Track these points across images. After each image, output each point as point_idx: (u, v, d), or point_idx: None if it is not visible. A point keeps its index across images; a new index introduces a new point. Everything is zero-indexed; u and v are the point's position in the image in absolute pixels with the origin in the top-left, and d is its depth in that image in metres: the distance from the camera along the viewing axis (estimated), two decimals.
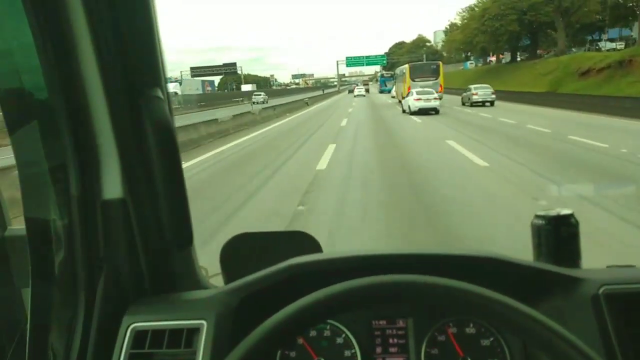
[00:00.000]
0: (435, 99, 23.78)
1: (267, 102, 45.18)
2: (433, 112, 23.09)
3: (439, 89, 30.84)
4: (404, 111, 25.18)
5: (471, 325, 1.00)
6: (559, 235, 1.01)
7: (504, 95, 32.00)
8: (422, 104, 23.24)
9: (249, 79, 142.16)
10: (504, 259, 0.92)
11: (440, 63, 34.88)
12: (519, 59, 55.37)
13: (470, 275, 0.74)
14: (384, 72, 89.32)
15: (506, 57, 60.87)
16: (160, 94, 0.95)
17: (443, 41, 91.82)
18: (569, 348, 0.59)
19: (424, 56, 79.31)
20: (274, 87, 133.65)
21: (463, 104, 30.31)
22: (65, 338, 0.93)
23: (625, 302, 0.86)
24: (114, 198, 0.94)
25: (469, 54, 74.67)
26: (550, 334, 0.60)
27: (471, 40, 55.56)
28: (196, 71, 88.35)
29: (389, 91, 63.29)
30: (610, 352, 0.81)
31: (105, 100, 0.90)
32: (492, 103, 28.46)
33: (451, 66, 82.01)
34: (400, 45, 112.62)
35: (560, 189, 7.04)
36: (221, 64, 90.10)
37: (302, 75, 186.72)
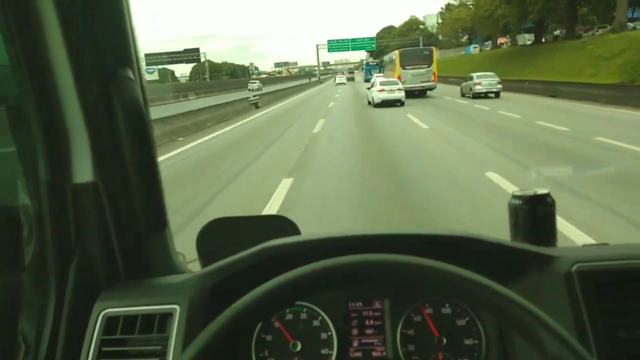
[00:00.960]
0: (399, 89, 23.20)
1: (261, 89, 49.52)
2: (398, 104, 22.42)
3: (432, 77, 29.44)
4: (369, 103, 24.38)
5: (447, 305, 1.04)
6: (535, 214, 1.06)
7: (546, 87, 25.46)
8: (386, 96, 22.75)
9: (224, 67, 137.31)
10: (478, 237, 0.96)
11: (434, 48, 32.74)
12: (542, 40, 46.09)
13: (446, 255, 0.77)
14: (369, 60, 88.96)
15: (520, 39, 53.69)
16: (131, 74, 0.97)
17: (439, 23, 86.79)
18: (538, 325, 0.63)
19: (420, 40, 74.89)
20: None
21: (463, 95, 27.41)
22: (36, 325, 0.95)
23: (597, 279, 0.91)
24: (84, 182, 0.96)
25: (470, 37, 69.95)
26: (519, 311, 0.64)
27: (490, 14, 42.91)
28: (152, 58, 75.31)
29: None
30: (581, 328, 0.87)
31: (74, 81, 0.91)
32: (497, 94, 25.32)
33: (450, 52, 77.74)
34: (388, 30, 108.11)
35: None
36: (182, 49, 79.90)
37: (285, 64, 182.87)
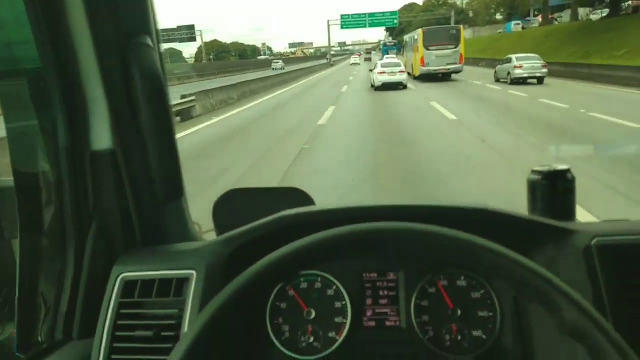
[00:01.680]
0: (401, 72, 22.82)
1: (284, 69, 54.82)
2: (401, 87, 22.51)
3: (460, 59, 27.26)
4: (372, 86, 23.85)
5: (462, 278, 1.08)
6: (555, 190, 1.09)
7: None
8: (387, 78, 22.58)
9: (233, 47, 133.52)
10: (497, 210, 0.99)
11: (462, 27, 29.98)
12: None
13: (463, 226, 0.78)
14: (387, 40, 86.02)
15: (566, 15, 48.51)
16: (149, 42, 1.01)
17: None
18: (556, 292, 0.65)
19: (452, 16, 64.66)
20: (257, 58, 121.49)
21: (497, 80, 23.90)
22: (55, 288, 1.02)
23: (617, 254, 0.93)
24: (103, 149, 1.01)
25: (511, 12, 62.55)
26: (536, 279, 0.67)
27: None
28: None
29: None
30: (599, 302, 0.90)
31: (93, 49, 0.95)
32: (540, 80, 21.75)
33: (484, 30, 69.52)
34: (410, 8, 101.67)
35: None
36: (175, 27, 71.01)
37: (300, 44, 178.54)
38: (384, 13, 65.39)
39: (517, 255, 0.69)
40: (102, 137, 1.01)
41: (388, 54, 62.89)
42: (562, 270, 0.94)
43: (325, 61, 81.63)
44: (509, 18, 64.97)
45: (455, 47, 27.23)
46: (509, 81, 22.37)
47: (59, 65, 0.96)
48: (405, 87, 22.59)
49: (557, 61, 25.99)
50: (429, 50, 27.13)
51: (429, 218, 0.83)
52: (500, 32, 60.08)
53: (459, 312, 1.06)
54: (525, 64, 21.98)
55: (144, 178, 1.05)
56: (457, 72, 27.55)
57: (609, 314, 0.89)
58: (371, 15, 64.85)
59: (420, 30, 29.08)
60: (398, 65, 23.50)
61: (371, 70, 25.28)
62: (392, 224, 0.74)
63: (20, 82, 1.03)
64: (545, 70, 21.84)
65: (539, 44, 35.25)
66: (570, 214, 1.10)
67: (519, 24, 57.55)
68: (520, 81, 21.54)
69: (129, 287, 0.97)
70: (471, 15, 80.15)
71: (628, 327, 0.85)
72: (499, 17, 72.08)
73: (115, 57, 0.98)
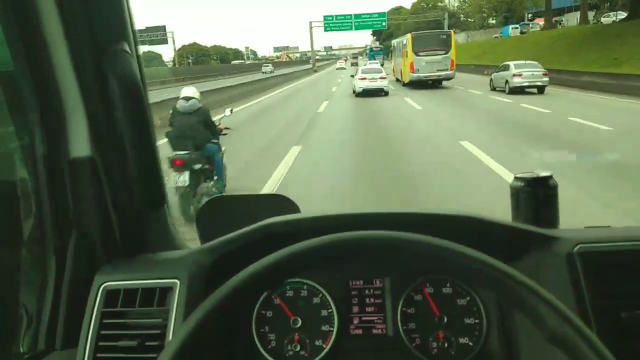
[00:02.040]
0: (381, 78, 23.18)
1: (274, 72, 56.50)
2: (383, 94, 22.78)
3: (450, 65, 26.87)
4: (353, 92, 24.05)
5: (447, 285, 1.10)
6: (537, 196, 1.12)
7: None
8: (367, 85, 22.86)
9: (214, 51, 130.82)
10: (480, 217, 1.02)
11: (452, 32, 29.99)
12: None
13: (447, 234, 0.79)
14: (373, 45, 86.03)
15: (570, 19, 46.18)
16: (127, 48, 1.02)
17: (461, 1, 77.34)
18: (538, 299, 0.67)
19: (446, 18, 62.11)
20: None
21: (494, 89, 22.85)
22: (37, 298, 1.02)
23: (599, 261, 0.96)
24: (81, 156, 1.00)
25: (507, 15, 59.71)
26: (519, 287, 0.68)
27: None
28: None
29: (380, 65, 62.45)
30: (582, 308, 0.92)
31: (70, 56, 0.96)
32: (540, 90, 20.60)
33: (478, 34, 67.41)
34: (397, 11, 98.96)
35: None
36: (143, 27, 63.71)
37: (285, 48, 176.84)
38: (371, 14, 61.54)
39: (500, 263, 0.70)
40: (80, 144, 1.01)
41: (375, 59, 61.68)
42: (545, 276, 0.96)
43: (309, 66, 76.99)
44: (505, 22, 62.63)
45: (446, 53, 26.82)
46: (506, 90, 21.01)
47: (34, 71, 0.95)
48: (386, 93, 22.86)
49: (573, 69, 23.88)
50: (418, 55, 26.65)
51: (413, 225, 0.84)
52: (496, 37, 58.13)
53: (445, 319, 1.08)
54: (525, 71, 20.59)
55: (125, 186, 1.05)
56: (448, 78, 27.13)
57: (591, 321, 0.91)
58: (357, 16, 60.31)
59: (409, 35, 28.59)
60: (379, 71, 23.81)
61: (352, 76, 25.63)
62: (377, 233, 0.74)
63: None
64: (546, 79, 20.48)
65: (544, 49, 32.86)
66: (553, 221, 1.13)
67: (517, 28, 55.10)
68: (519, 90, 20.21)
69: (111, 296, 0.98)
70: (462, 18, 77.80)
71: (610, 334, 0.88)
72: (491, 21, 69.77)
73: (92, 63, 0.98)
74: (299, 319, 1.10)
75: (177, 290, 0.96)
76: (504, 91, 21.30)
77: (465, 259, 0.71)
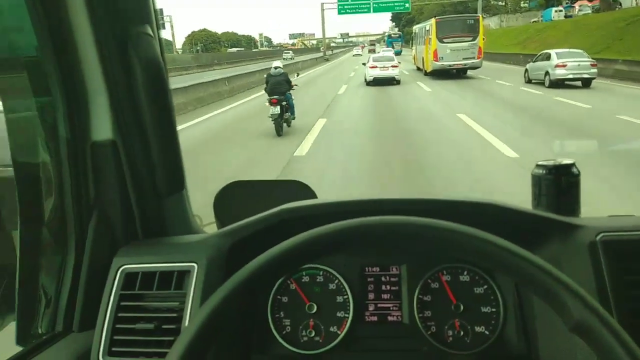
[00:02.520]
0: (393, 66, 22.87)
1: (294, 59, 61.50)
2: (394, 83, 22.60)
3: (478, 53, 25.01)
4: (365, 80, 23.72)
5: (465, 273, 1.12)
6: (559, 184, 1.13)
7: None
8: (378, 73, 22.82)
9: (225, 37, 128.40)
10: (502, 205, 1.03)
11: (480, 17, 27.91)
12: None
13: (467, 221, 0.80)
14: (391, 32, 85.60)
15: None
16: (149, 30, 1.04)
17: None
18: (562, 289, 0.67)
19: (479, 3, 52.59)
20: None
21: (529, 81, 20.55)
22: (56, 280, 1.05)
23: (622, 250, 0.97)
24: (103, 139, 1.04)
25: None
26: (543, 275, 0.69)
27: None
28: None
29: (399, 53, 60.11)
30: (604, 297, 0.93)
31: (93, 39, 0.98)
32: (586, 83, 18.36)
33: (514, 18, 59.69)
34: None
35: None
36: None
37: (301, 35, 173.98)
38: None
39: (523, 251, 0.70)
40: (102, 127, 1.03)
41: (393, 46, 62.78)
42: (567, 265, 0.97)
43: (319, 54, 72.66)
44: (546, 4, 54.93)
45: (473, 40, 24.89)
46: (546, 82, 18.69)
47: (58, 55, 0.98)
48: (398, 82, 22.63)
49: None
50: (443, 42, 24.87)
51: (434, 212, 0.85)
52: (534, 21, 51.01)
53: (462, 307, 1.09)
54: (570, 61, 18.13)
55: (145, 170, 1.08)
56: (475, 67, 25.58)
57: (613, 310, 0.92)
58: None
59: (432, 20, 26.44)
60: (391, 59, 23.48)
61: (364, 64, 25.17)
62: (399, 218, 0.74)
63: (20, 72, 1.05)
64: (594, 70, 18.23)
65: (613, 35, 27.05)
66: (575, 209, 1.13)
67: (561, 11, 48.13)
68: (561, 83, 18.15)
69: (129, 279, 1.01)
70: (492, 1, 72.32)
71: (632, 323, 0.89)
72: (523, 4, 64.64)
73: (115, 46, 1.00)
74: (314, 305, 1.12)
75: (195, 274, 0.98)
76: (541, 84, 18.99)
77: (486, 244, 0.71)
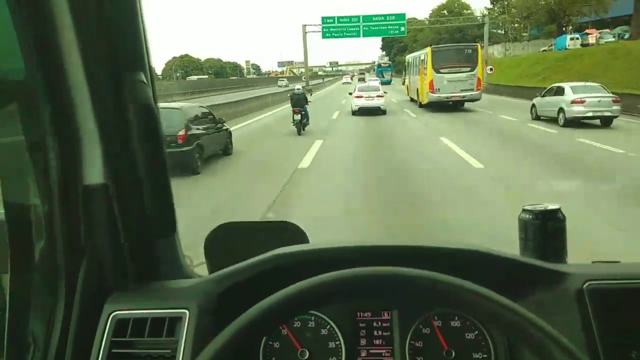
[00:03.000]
0: (378, 96, 23.68)
1: (288, 86, 57.91)
2: (381, 112, 23.35)
3: (477, 84, 24.56)
4: (352, 111, 24.40)
5: (456, 318, 1.15)
6: (545, 229, 1.17)
7: None
8: (364, 103, 23.61)
9: (207, 64, 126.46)
10: (488, 252, 1.07)
11: (479, 46, 27.47)
12: None
13: (455, 268, 0.85)
14: (381, 61, 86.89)
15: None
16: (143, 78, 1.09)
17: (491, 7, 63.03)
18: (549, 341, 0.71)
19: (485, 29, 48.17)
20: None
21: (537, 117, 18.97)
22: (46, 325, 1.06)
23: (609, 298, 1.01)
24: (95, 183, 1.07)
25: (561, 22, 47.03)
26: (535, 330, 0.72)
27: None
28: None
29: (388, 82, 62.49)
30: (592, 346, 0.96)
31: (87, 84, 1.02)
32: (606, 122, 16.45)
33: (518, 47, 55.94)
34: (410, 23, 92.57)
35: None
36: None
37: (289, 63, 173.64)
38: (385, 17, 46.30)
39: (516, 305, 0.73)
40: (95, 171, 1.06)
41: (382, 75, 64.84)
42: (554, 313, 1.00)
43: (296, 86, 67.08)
44: (559, 31, 49.20)
45: (472, 70, 24.55)
46: (560, 121, 16.95)
47: (51, 97, 1.01)
48: (384, 112, 23.27)
49: None
50: (439, 73, 24.48)
51: (422, 259, 0.90)
52: (544, 50, 47.49)
53: (453, 353, 1.12)
54: (589, 97, 16.23)
55: (137, 214, 1.10)
56: (474, 100, 24.81)
57: (601, 359, 0.95)
58: (367, 19, 46.01)
59: (428, 49, 26.12)
60: (377, 89, 24.29)
61: (350, 94, 25.67)
62: (394, 269, 0.78)
63: (12, 114, 1.07)
64: (617, 108, 16.29)
65: None
66: (561, 254, 1.17)
67: (577, 39, 42.69)
68: (578, 122, 16.33)
69: (120, 325, 1.02)
70: (491, 29, 67.90)
71: None
72: (524, 33, 61.73)
73: (108, 91, 1.04)
74: (306, 351, 1.14)
75: (187, 321, 1.00)
76: (552, 121, 17.46)
77: (481, 299, 0.74)
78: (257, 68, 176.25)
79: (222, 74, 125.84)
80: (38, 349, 1.05)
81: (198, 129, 10.75)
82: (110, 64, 1.03)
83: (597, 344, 0.95)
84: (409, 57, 34.15)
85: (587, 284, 1.00)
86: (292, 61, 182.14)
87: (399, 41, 76.61)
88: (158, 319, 1.02)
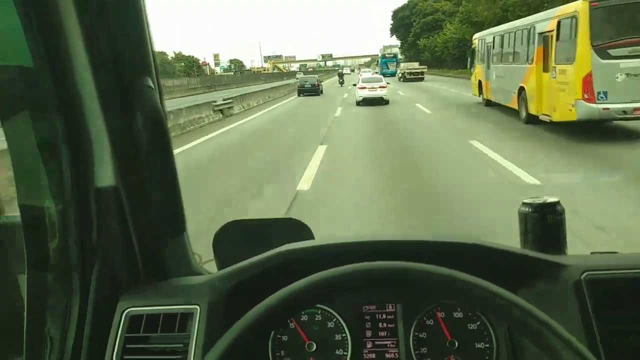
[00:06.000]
0: (381, 87, 27.12)
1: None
2: (384, 103, 27.22)
3: None
4: (356, 101, 28.23)
5: (458, 310, 1.33)
6: (545, 222, 1.34)
7: None
8: (367, 94, 27.27)
9: (176, 60, 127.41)
10: (488, 245, 1.24)
11: None
12: None
13: (456, 262, 0.99)
14: (386, 52, 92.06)
15: None
16: (150, 83, 1.27)
17: None
18: (547, 331, 0.82)
19: None
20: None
21: None
22: (62, 323, 1.24)
23: (607, 288, 1.16)
24: (106, 186, 1.25)
25: None
26: (527, 317, 0.84)
27: None
28: None
29: (393, 74, 65.78)
30: (591, 336, 1.11)
31: (96, 90, 1.20)
32: None
33: None
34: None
35: None
36: None
37: (277, 57, 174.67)
38: None
39: (517, 298, 0.86)
40: (105, 174, 1.24)
41: (387, 67, 70.13)
42: (553, 304, 1.15)
43: (285, 80, 68.17)
44: None
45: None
46: None
47: (63, 105, 1.19)
48: (387, 102, 26.13)
49: None
50: (609, 57, 12.53)
51: (424, 252, 1.07)
52: None
53: (457, 343, 1.30)
54: None
55: (147, 215, 1.29)
56: None
57: (600, 348, 1.09)
58: None
59: (580, 4, 12.83)
60: (379, 80, 27.23)
61: (354, 85, 29.46)
62: (400, 264, 0.92)
63: (25, 120, 1.25)
64: None
65: None
66: (560, 246, 1.34)
67: None
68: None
69: (134, 321, 1.21)
70: None
71: None
72: None
73: (117, 98, 1.22)
74: (313, 344, 1.33)
75: (198, 316, 1.19)
76: None
77: (485, 293, 0.87)
78: (237, 64, 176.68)
79: (189, 73, 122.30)
80: (55, 346, 1.24)
81: (319, 83, 42.40)
82: (119, 71, 1.21)
83: (595, 333, 1.10)
84: (490, 34, 22.53)
85: (585, 275, 1.16)
86: (281, 55, 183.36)
87: (423, 15, 76.40)
88: (170, 314, 1.20)
